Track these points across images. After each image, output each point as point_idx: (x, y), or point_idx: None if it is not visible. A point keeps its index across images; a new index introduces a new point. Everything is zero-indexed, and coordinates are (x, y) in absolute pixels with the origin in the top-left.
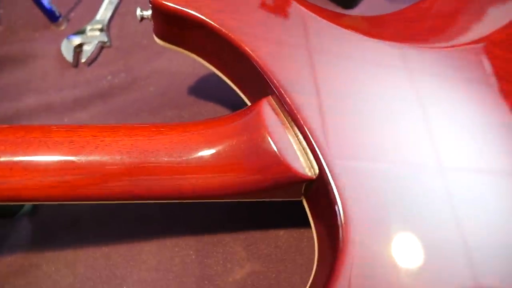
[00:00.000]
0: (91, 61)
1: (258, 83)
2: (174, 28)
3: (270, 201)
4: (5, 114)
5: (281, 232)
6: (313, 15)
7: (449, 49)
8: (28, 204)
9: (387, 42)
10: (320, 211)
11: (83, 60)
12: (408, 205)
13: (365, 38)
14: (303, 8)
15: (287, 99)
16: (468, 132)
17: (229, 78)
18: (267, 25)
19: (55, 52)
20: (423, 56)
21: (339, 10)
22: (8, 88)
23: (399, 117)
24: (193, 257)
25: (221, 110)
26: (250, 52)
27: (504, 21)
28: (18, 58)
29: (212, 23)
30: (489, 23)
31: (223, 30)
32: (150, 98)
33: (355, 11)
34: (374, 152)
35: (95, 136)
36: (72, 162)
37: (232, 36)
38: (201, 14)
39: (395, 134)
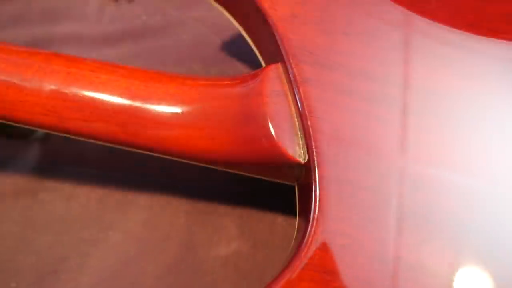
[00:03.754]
0: None
1: (271, 45)
2: None
3: (273, 183)
4: (38, 37)
5: (279, 219)
6: None
7: None
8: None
9: (444, 26)
10: (304, 204)
11: None
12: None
13: (409, 13)
14: None
15: (294, 68)
16: None
17: (249, 36)
18: None
19: None
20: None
21: None
22: (47, 11)
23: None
24: (182, 220)
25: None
26: (267, 9)
27: None
28: None
29: None
30: None
31: None
32: (180, 48)
33: None
34: (378, 148)
35: (92, 71)
36: (64, 93)
37: None
38: None
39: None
